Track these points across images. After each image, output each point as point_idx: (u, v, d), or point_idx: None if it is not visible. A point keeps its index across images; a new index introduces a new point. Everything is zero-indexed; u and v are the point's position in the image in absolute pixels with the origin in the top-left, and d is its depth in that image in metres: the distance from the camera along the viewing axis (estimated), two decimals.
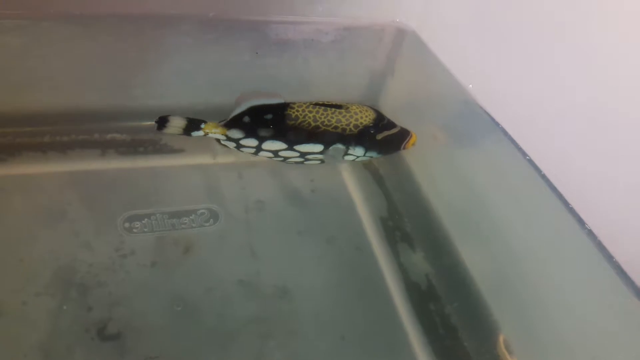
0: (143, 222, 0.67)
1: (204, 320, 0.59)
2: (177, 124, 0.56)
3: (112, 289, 0.60)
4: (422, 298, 0.67)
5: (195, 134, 0.56)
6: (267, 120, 0.55)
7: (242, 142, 0.57)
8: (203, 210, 0.70)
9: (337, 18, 0.80)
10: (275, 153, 0.58)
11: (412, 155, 0.76)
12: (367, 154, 0.59)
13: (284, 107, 0.55)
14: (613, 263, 0.50)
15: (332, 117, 0.55)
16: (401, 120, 0.72)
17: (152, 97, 0.79)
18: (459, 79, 0.71)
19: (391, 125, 0.60)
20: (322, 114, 0.55)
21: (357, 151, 0.58)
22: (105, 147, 0.77)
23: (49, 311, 0.57)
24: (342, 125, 0.55)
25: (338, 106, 0.56)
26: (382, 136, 0.58)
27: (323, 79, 0.83)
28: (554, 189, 0.57)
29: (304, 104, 0.56)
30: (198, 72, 0.78)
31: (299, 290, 0.64)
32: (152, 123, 0.79)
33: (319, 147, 0.57)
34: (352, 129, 0.56)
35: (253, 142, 0.56)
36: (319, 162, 0.60)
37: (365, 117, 0.56)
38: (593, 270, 0.53)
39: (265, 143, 0.56)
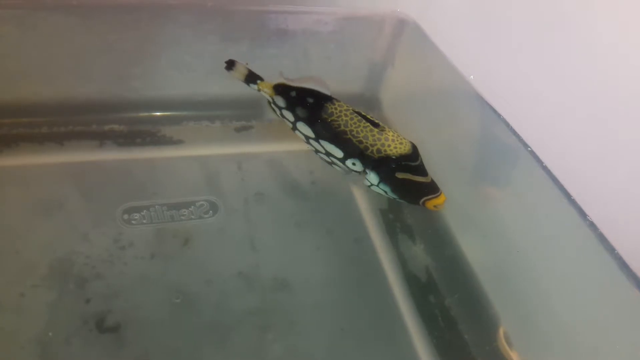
0: (142, 213, 0.67)
1: (203, 312, 0.59)
2: (240, 70, 0.59)
3: (111, 281, 0.60)
4: (422, 290, 0.67)
5: (251, 86, 0.59)
6: (307, 103, 0.55)
7: (283, 112, 0.58)
8: (202, 202, 0.70)
9: (337, 8, 0.79)
10: (307, 139, 0.58)
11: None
12: (381, 186, 0.55)
13: (327, 99, 0.55)
14: (615, 255, 0.50)
15: (362, 131, 0.53)
16: (402, 111, 0.71)
17: (151, 88, 0.79)
18: (460, 69, 0.70)
19: (421, 172, 0.54)
20: (355, 124, 0.54)
21: (372, 177, 0.54)
22: (103, 138, 0.76)
23: (46, 303, 0.57)
24: (367, 142, 0.53)
25: (375, 124, 0.54)
26: (403, 177, 0.53)
27: (323, 70, 0.82)
28: (555, 180, 0.56)
29: (346, 106, 0.55)
30: (197, 62, 0.78)
31: (298, 282, 0.64)
32: (150, 114, 0.79)
33: (339, 153, 0.55)
34: (374, 152, 0.53)
35: (290, 116, 0.57)
36: (344, 172, 0.58)
37: (394, 148, 0.52)
38: (594, 263, 0.53)
39: (299, 123, 0.57)
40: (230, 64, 0.59)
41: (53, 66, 0.74)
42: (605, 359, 0.50)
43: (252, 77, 0.59)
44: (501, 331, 0.60)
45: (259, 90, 0.59)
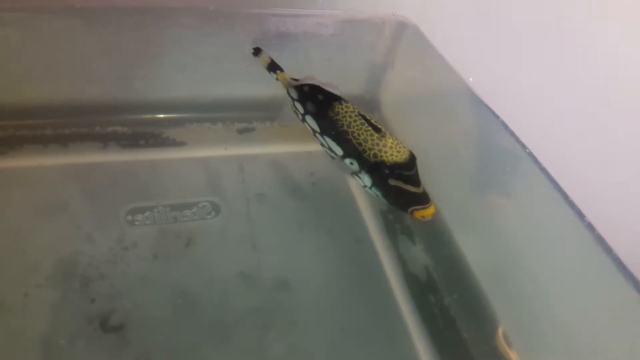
0: (145, 214, 0.68)
1: (205, 312, 0.60)
2: (265, 58, 0.63)
3: (115, 281, 0.60)
4: (421, 290, 0.67)
5: (272, 74, 0.63)
6: (317, 99, 0.58)
7: (295, 103, 0.61)
8: (205, 203, 0.70)
9: (338, 11, 0.80)
10: (314, 132, 0.60)
11: (411, 149, 0.76)
12: (373, 190, 0.56)
13: (336, 98, 0.57)
14: (612, 256, 0.50)
15: (362, 134, 0.55)
16: (402, 113, 0.71)
17: (153, 90, 0.80)
18: (459, 72, 0.71)
19: (414, 181, 0.54)
20: (358, 126, 0.55)
21: (365, 179, 0.56)
22: (106, 140, 0.77)
23: (51, 303, 0.57)
24: (365, 145, 0.54)
25: (377, 129, 0.55)
26: (395, 184, 0.54)
27: (324, 72, 0.82)
28: (553, 181, 0.57)
29: (352, 108, 0.56)
30: (199, 65, 0.78)
31: (299, 281, 0.64)
32: (153, 116, 0.80)
33: (339, 151, 0.57)
34: (371, 156, 0.54)
35: (300, 108, 0.60)
36: (344, 169, 0.59)
37: (390, 155, 0.53)
38: (592, 263, 0.53)
39: (307, 116, 0.60)
40: (257, 51, 0.64)
41: (56, 68, 0.75)
42: (603, 358, 0.51)
43: (273, 66, 0.63)
44: (500, 330, 0.60)
45: (277, 79, 0.63)
